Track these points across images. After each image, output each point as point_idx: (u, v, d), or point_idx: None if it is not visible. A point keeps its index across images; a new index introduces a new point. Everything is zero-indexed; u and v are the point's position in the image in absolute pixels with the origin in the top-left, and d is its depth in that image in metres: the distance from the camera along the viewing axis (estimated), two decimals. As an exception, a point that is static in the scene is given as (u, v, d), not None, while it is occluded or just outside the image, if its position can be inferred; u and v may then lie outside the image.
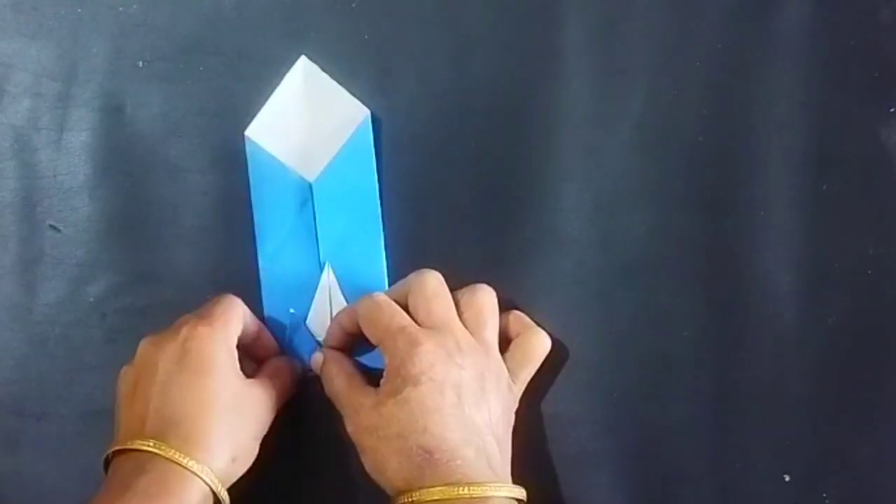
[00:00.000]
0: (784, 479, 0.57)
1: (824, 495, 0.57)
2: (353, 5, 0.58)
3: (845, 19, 0.58)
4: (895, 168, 0.58)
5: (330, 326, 0.56)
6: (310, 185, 0.58)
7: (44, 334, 0.58)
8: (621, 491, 0.57)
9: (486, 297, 0.54)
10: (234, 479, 0.50)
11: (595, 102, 0.58)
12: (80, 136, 0.58)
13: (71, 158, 0.58)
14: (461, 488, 0.48)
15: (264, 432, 0.53)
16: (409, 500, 0.48)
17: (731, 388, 0.57)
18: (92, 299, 0.58)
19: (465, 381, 0.51)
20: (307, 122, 0.58)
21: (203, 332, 0.51)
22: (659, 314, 0.58)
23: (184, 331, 0.51)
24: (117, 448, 0.49)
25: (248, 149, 0.58)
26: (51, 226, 0.58)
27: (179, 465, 0.48)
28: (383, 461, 0.50)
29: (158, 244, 0.58)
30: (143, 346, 0.53)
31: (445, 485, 0.48)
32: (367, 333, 0.53)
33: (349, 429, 0.52)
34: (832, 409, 0.57)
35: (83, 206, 0.58)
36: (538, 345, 0.55)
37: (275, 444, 0.53)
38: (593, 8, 0.58)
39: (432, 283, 0.53)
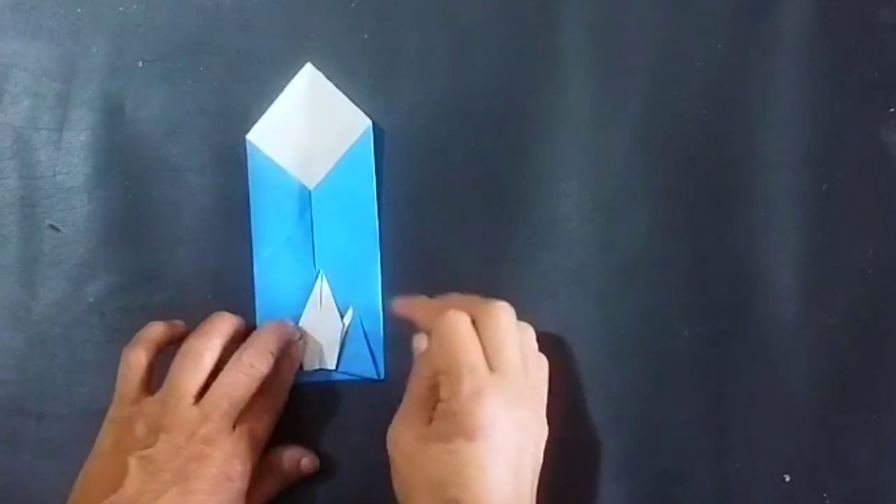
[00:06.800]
0: (784, 479, 0.57)
1: (824, 495, 0.57)
2: (353, 5, 0.58)
3: (845, 19, 0.58)
4: (895, 168, 0.58)
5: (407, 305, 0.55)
6: (309, 193, 0.58)
7: (44, 334, 0.58)
8: (621, 491, 0.57)
9: (506, 317, 0.51)
10: None
11: (595, 102, 0.58)
12: (80, 135, 0.58)
13: (70, 158, 0.58)
14: None
15: None
16: None
17: (731, 388, 0.57)
18: (91, 299, 0.58)
19: (519, 438, 0.48)
20: (309, 130, 0.58)
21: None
22: (659, 314, 0.58)
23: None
24: None
25: (248, 153, 0.58)
26: (50, 225, 0.58)
27: None
28: (410, 492, 0.48)
29: (158, 244, 0.58)
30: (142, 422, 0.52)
31: None
32: (434, 350, 0.50)
33: (389, 434, 0.50)
34: (832, 409, 0.57)
35: (83, 205, 0.58)
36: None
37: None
38: (593, 8, 0.58)
39: (506, 317, 0.50)
